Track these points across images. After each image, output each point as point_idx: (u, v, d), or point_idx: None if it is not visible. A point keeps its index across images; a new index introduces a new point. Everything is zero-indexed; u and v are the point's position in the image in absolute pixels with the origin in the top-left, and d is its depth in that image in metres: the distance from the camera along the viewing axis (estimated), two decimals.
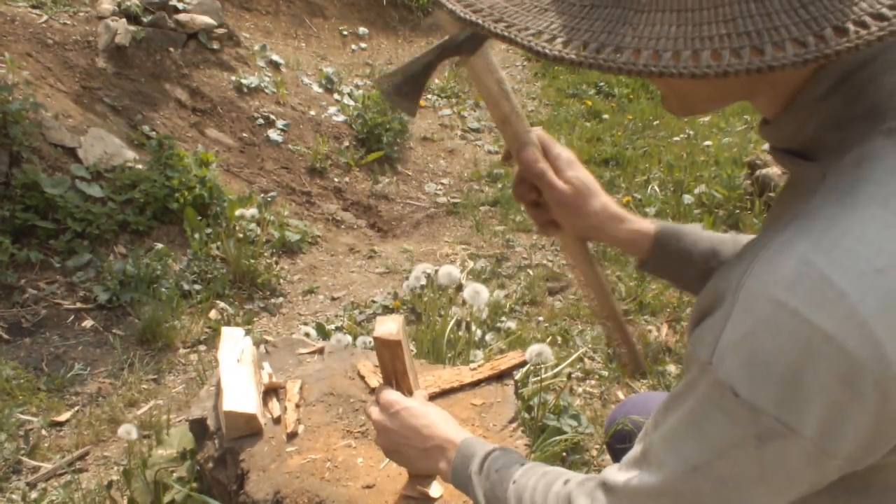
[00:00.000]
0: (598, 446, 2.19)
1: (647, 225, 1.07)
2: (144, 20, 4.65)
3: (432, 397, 1.64)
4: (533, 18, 0.62)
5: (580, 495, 0.79)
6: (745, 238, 1.01)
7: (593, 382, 2.62)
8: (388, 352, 1.14)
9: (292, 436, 1.53)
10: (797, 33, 0.54)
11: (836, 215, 0.60)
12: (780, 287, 0.59)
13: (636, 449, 0.74)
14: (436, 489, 1.28)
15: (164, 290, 3.12)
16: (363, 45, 7.29)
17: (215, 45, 5.13)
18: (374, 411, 1.10)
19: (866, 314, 0.56)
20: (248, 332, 1.85)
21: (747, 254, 0.66)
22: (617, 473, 0.75)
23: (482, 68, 0.97)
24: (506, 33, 0.61)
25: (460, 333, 2.51)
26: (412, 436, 1.03)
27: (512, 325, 2.99)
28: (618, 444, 1.35)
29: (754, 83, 0.69)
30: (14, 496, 2.05)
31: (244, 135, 4.68)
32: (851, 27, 0.54)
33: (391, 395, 1.09)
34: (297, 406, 1.63)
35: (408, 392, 1.16)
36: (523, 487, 0.86)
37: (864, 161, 0.62)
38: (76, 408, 2.52)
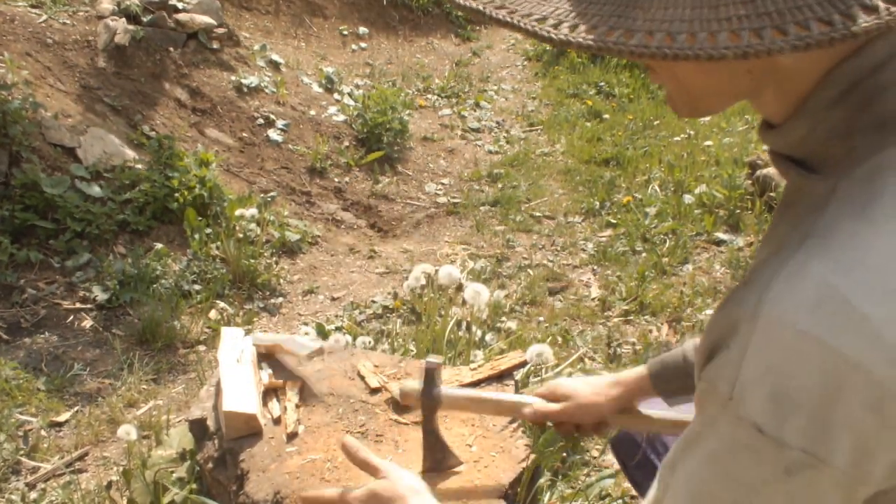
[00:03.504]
0: (598, 447, 2.18)
1: (639, 370, 1.20)
2: (144, 20, 4.64)
3: None
4: (536, 5, 0.59)
5: None
6: None
7: None
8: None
9: (292, 436, 1.53)
10: (822, 12, 0.51)
11: (853, 233, 0.57)
12: (802, 313, 0.56)
13: (652, 496, 0.71)
14: None
15: (163, 290, 3.12)
16: (363, 44, 7.28)
17: (215, 45, 5.13)
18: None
19: (892, 337, 0.54)
20: (247, 333, 1.84)
21: (758, 279, 0.62)
22: None
23: (453, 404, 1.20)
24: (508, 19, 0.58)
25: (460, 333, 2.51)
26: None
27: (512, 325, 2.98)
28: (621, 444, 1.36)
29: (762, 80, 0.65)
30: (13, 496, 2.04)
31: (244, 135, 4.68)
32: (881, 3, 0.51)
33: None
34: (297, 406, 1.62)
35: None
36: None
37: (877, 174, 0.59)
38: (75, 408, 2.51)
